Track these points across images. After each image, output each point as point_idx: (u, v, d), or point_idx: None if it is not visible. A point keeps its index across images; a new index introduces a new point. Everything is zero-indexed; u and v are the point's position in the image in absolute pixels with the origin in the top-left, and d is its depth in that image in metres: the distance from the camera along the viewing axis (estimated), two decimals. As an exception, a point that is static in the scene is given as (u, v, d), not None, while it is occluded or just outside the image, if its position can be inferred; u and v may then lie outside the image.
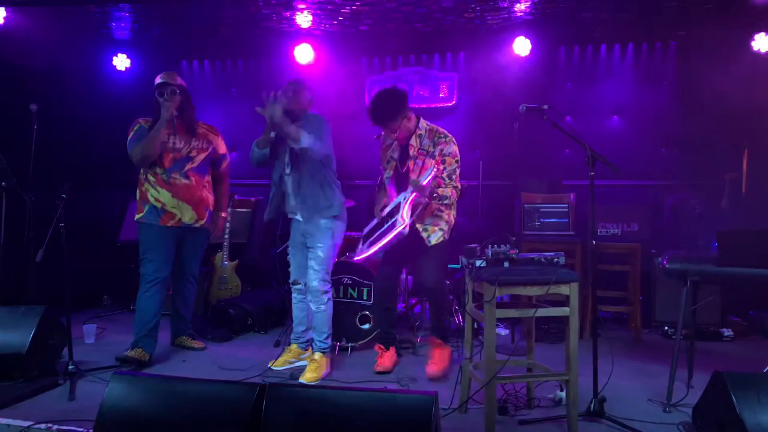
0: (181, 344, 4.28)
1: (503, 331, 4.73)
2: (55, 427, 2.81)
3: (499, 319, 3.23)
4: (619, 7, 4.91)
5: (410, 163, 3.72)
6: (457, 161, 3.69)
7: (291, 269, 3.91)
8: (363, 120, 6.05)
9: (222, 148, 4.24)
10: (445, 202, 3.65)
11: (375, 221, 3.89)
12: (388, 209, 3.75)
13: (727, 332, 4.57)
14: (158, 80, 3.91)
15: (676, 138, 5.41)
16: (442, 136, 3.71)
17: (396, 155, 3.82)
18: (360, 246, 3.94)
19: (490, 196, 5.49)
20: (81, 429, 2.77)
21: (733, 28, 5.06)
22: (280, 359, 3.83)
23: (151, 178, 3.94)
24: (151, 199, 3.92)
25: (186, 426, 2.24)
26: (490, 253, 2.90)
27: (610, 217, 4.70)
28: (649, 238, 4.69)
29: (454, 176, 3.67)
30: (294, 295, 3.94)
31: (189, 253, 4.13)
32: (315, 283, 3.70)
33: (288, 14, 5.16)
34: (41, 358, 3.48)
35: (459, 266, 3.10)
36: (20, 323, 3.49)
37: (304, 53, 5.82)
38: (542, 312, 2.87)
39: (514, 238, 3.04)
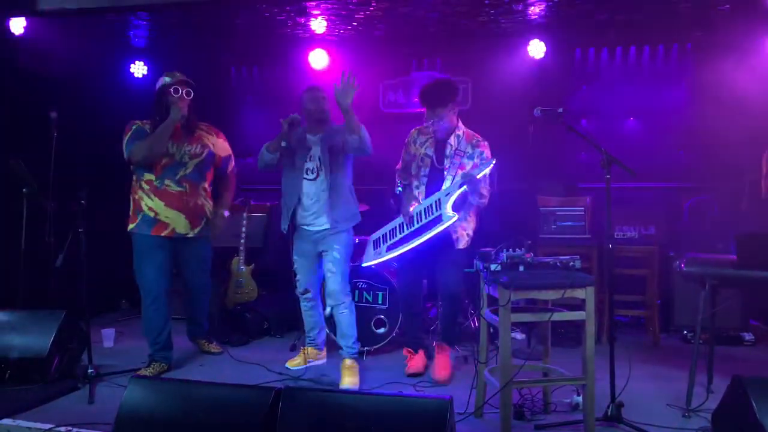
0: (199, 346, 4.30)
1: (519, 336, 4.70)
2: (75, 430, 2.86)
3: (515, 324, 3.23)
4: (634, 9, 4.87)
5: (446, 162, 3.72)
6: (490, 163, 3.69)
7: (299, 280, 3.84)
8: (377, 124, 6.07)
9: (222, 150, 4.05)
10: (482, 201, 3.67)
11: (393, 224, 3.87)
12: (419, 208, 3.72)
13: (748, 336, 4.50)
14: (169, 79, 3.81)
15: (693, 140, 5.35)
16: (480, 139, 3.77)
17: (431, 152, 3.80)
18: (371, 250, 3.92)
19: (506, 199, 5.46)
20: (100, 432, 2.81)
21: (749, 29, 4.99)
22: (297, 360, 3.87)
23: (144, 185, 3.80)
24: (145, 208, 3.78)
25: (202, 429, 2.26)
26: (505, 257, 2.89)
27: (627, 220, 4.66)
28: (667, 241, 4.64)
29: (487, 180, 3.72)
30: (304, 304, 3.91)
31: (190, 265, 4.00)
32: (337, 287, 3.65)
33: (302, 20, 5.19)
34: (61, 361, 3.55)
35: (473, 270, 3.09)
36: (41, 327, 3.56)
37: (318, 59, 5.85)
38: (558, 316, 2.86)
39: (529, 242, 3.03)
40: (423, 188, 3.80)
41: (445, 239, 3.70)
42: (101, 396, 3.34)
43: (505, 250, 2.92)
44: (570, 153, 5.60)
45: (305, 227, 3.74)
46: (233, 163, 4.17)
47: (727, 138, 5.09)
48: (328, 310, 3.82)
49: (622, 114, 5.66)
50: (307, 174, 3.72)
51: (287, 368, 3.83)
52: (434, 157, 3.78)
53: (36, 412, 3.12)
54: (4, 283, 4.32)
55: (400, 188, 3.98)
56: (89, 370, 3.45)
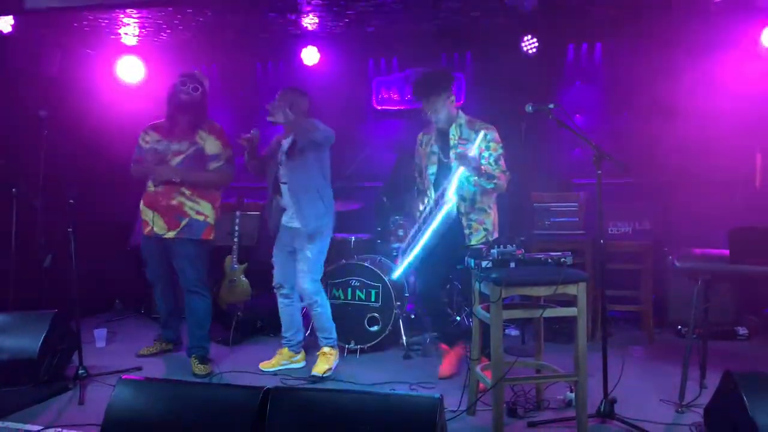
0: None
1: (513, 332, 4.69)
2: (64, 431, 2.83)
3: (509, 320, 3.22)
4: (627, 4, 4.85)
5: (452, 154, 3.61)
6: (501, 146, 3.60)
7: (274, 273, 3.96)
8: (370, 122, 6.07)
9: (212, 148, 3.86)
10: (494, 182, 3.51)
11: (415, 228, 3.76)
12: (429, 206, 3.65)
13: (742, 331, 4.50)
14: (184, 73, 3.93)
15: (687, 134, 5.33)
16: (482, 123, 3.65)
17: (437, 148, 3.70)
18: (400, 260, 3.91)
19: (499, 195, 5.45)
20: (89, 433, 2.79)
21: (743, 24, 4.98)
22: (273, 361, 3.94)
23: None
24: (141, 206, 3.96)
25: (190, 430, 2.24)
26: (496, 254, 2.87)
27: (622, 215, 4.64)
28: (662, 236, 4.63)
29: (500, 161, 3.57)
30: (279, 300, 3.99)
31: (178, 265, 3.91)
32: (306, 285, 3.74)
33: (294, 17, 5.16)
34: (51, 362, 3.52)
35: (464, 266, 3.07)
36: (30, 328, 3.53)
37: (310, 56, 5.81)
38: (550, 312, 2.84)
39: (522, 238, 3.02)
40: (433, 187, 3.70)
41: (456, 235, 3.57)
42: (92, 397, 3.32)
43: (496, 246, 2.90)
44: (564, 149, 5.58)
45: (284, 223, 3.88)
46: (221, 164, 3.90)
47: (721, 132, 5.07)
48: (304, 309, 3.94)
49: (616, 109, 5.63)
50: (283, 172, 3.84)
51: (260, 369, 3.87)
52: (440, 153, 3.69)
53: (26, 413, 3.09)
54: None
55: (416, 194, 3.91)
56: (80, 371, 3.43)
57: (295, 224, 3.80)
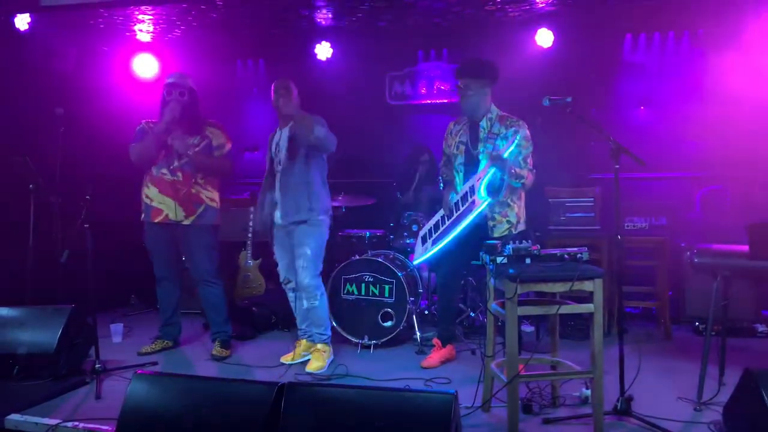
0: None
1: (528, 328, 4.65)
2: (81, 425, 2.86)
3: (524, 316, 3.20)
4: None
5: (480, 146, 3.69)
6: (531, 144, 3.64)
7: (279, 269, 3.98)
8: (383, 116, 6.05)
9: (218, 140, 4.07)
10: (522, 181, 3.57)
11: (436, 217, 3.87)
12: (456, 197, 3.71)
13: (762, 328, 4.44)
14: (168, 80, 4.02)
15: (705, 129, 5.25)
16: (514, 120, 3.69)
17: (465, 138, 3.78)
18: (419, 247, 3.96)
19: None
20: (106, 427, 2.81)
21: (762, 14, 4.88)
22: (292, 354, 3.96)
23: (146, 176, 4.05)
24: (144, 197, 4.04)
25: (205, 425, 2.25)
26: (510, 250, 2.85)
27: (638, 210, 4.59)
28: (679, 231, 4.57)
29: (529, 159, 3.62)
30: (288, 294, 4.04)
31: (191, 253, 4.05)
32: (307, 281, 3.78)
33: (307, 12, 5.16)
34: (69, 357, 3.55)
35: (480, 263, 3.05)
36: (48, 323, 3.57)
37: (323, 51, 5.81)
38: (565, 309, 2.81)
39: (538, 234, 2.99)
40: (461, 176, 3.77)
41: (480, 228, 3.63)
42: (108, 391, 3.34)
43: (510, 242, 2.87)
44: (579, 143, 5.53)
45: (277, 221, 3.88)
46: (225, 152, 4.10)
47: (740, 126, 4.99)
48: (304, 303, 3.88)
49: (632, 103, 5.57)
50: (278, 167, 3.87)
51: (281, 363, 3.90)
52: (468, 143, 3.75)
53: (43, 407, 3.12)
54: (12, 279, 4.33)
55: (441, 185, 3.96)
56: (97, 366, 3.46)
57: (287, 220, 3.79)
